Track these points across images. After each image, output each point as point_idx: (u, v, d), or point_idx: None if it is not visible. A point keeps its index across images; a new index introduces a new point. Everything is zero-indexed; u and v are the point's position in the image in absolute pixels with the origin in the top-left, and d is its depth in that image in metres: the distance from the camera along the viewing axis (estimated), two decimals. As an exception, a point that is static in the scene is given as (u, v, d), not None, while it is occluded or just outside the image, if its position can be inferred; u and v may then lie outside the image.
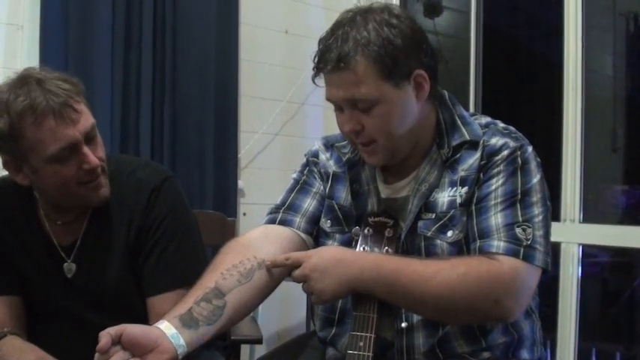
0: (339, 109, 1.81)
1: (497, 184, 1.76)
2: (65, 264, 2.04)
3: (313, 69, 1.80)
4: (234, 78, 4.01)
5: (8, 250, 2.04)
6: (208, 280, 1.75)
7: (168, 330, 1.59)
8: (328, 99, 1.81)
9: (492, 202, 1.75)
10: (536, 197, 1.75)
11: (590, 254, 3.33)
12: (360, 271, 1.69)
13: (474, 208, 1.78)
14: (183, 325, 1.62)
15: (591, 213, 3.25)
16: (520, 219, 1.72)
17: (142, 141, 3.64)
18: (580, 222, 3.19)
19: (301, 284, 1.76)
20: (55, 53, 3.38)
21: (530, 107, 4.05)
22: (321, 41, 1.80)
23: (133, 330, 1.53)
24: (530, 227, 1.71)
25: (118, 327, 1.52)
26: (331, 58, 1.73)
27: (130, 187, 2.03)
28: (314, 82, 1.83)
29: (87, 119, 1.89)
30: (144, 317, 1.93)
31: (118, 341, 1.51)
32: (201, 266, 2.05)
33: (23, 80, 1.83)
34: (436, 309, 1.69)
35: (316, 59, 1.80)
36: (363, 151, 1.86)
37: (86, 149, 1.87)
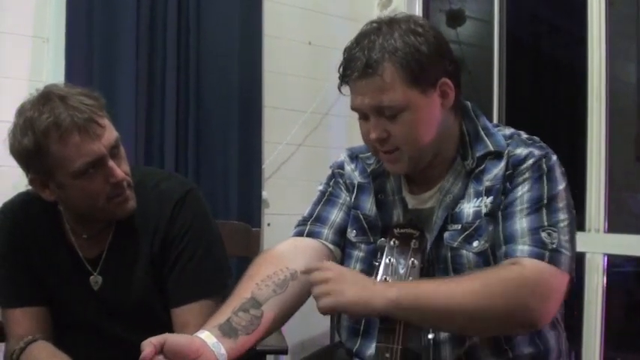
0: (363, 117, 1.82)
1: (523, 191, 1.76)
2: (91, 277, 2.05)
3: (339, 78, 1.81)
4: (258, 89, 4.02)
5: (34, 262, 2.06)
6: (244, 291, 1.77)
7: (209, 339, 1.61)
8: (353, 108, 1.82)
9: (518, 208, 1.75)
10: (562, 204, 1.75)
11: (615, 264, 3.30)
12: (376, 310, 1.63)
13: (500, 214, 1.77)
14: (223, 334, 1.64)
15: (616, 222, 3.22)
16: (545, 223, 1.71)
17: (167, 153, 3.65)
18: (605, 232, 3.17)
19: (314, 288, 1.71)
20: (80, 66, 3.40)
21: (554, 116, 4.03)
22: (346, 50, 1.81)
23: (175, 339, 1.55)
24: (555, 232, 1.70)
25: (160, 336, 1.54)
26: (358, 65, 1.74)
27: (154, 200, 2.04)
28: (340, 91, 1.84)
29: (111, 133, 1.90)
30: (168, 328, 1.93)
31: (160, 351, 1.52)
32: (225, 277, 2.07)
33: (46, 97, 1.85)
34: (465, 323, 1.66)
35: (342, 68, 1.81)
36: (386, 159, 1.87)
37: (112, 163, 1.89)
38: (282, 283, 1.81)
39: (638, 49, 3.58)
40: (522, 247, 1.69)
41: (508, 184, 1.79)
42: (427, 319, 1.67)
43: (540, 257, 1.67)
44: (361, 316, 1.81)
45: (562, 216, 1.73)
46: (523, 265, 1.66)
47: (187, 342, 1.57)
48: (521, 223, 1.73)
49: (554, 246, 1.68)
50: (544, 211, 1.73)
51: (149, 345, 1.51)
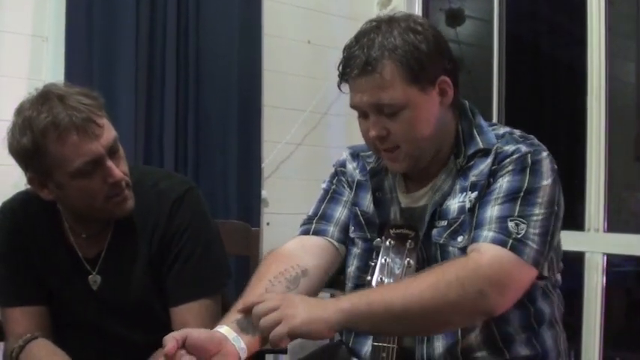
0: (363, 115, 1.82)
1: (502, 182, 1.75)
2: (90, 276, 2.05)
3: (339, 75, 1.81)
4: (258, 88, 4.03)
5: (33, 261, 2.05)
6: (258, 288, 1.78)
7: (229, 334, 1.61)
8: (353, 106, 1.82)
9: (494, 197, 1.74)
10: (541, 199, 1.72)
11: (614, 263, 3.30)
12: (332, 324, 1.61)
13: (477, 204, 1.77)
14: (241, 329, 1.64)
15: (616, 222, 3.22)
16: (516, 214, 1.69)
17: (166, 152, 3.66)
18: (604, 231, 3.17)
19: (262, 320, 1.61)
20: (79, 65, 3.40)
21: (553, 116, 4.03)
22: (346, 48, 1.81)
23: (197, 334, 1.56)
24: (524, 223, 1.68)
25: (182, 331, 1.55)
26: (357, 63, 1.73)
27: (153, 199, 2.04)
28: (339, 89, 1.83)
29: (109, 133, 1.90)
30: (167, 327, 1.93)
31: (182, 345, 1.52)
32: (224, 276, 2.08)
33: (45, 97, 1.84)
34: (424, 317, 1.61)
35: (341, 66, 1.81)
36: (387, 158, 1.86)
37: (110, 163, 1.88)
38: (294, 279, 1.82)
39: (638, 48, 3.59)
40: (487, 234, 1.68)
41: (491, 178, 1.78)
42: (385, 321, 1.62)
43: (502, 244, 1.65)
44: (319, 336, 1.64)
45: (537, 210, 1.71)
46: (482, 251, 1.65)
47: (209, 336, 1.58)
48: (492, 211, 1.72)
49: (519, 236, 1.66)
50: (518, 202, 1.71)
51: (172, 340, 1.51)
